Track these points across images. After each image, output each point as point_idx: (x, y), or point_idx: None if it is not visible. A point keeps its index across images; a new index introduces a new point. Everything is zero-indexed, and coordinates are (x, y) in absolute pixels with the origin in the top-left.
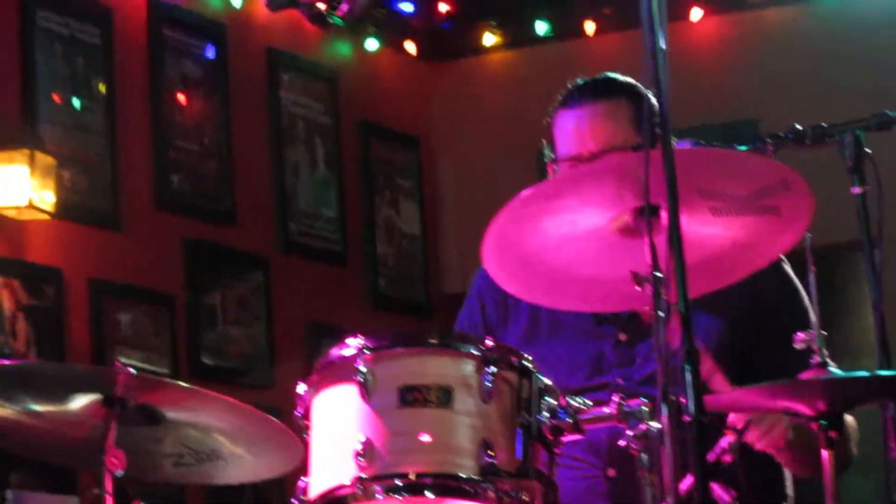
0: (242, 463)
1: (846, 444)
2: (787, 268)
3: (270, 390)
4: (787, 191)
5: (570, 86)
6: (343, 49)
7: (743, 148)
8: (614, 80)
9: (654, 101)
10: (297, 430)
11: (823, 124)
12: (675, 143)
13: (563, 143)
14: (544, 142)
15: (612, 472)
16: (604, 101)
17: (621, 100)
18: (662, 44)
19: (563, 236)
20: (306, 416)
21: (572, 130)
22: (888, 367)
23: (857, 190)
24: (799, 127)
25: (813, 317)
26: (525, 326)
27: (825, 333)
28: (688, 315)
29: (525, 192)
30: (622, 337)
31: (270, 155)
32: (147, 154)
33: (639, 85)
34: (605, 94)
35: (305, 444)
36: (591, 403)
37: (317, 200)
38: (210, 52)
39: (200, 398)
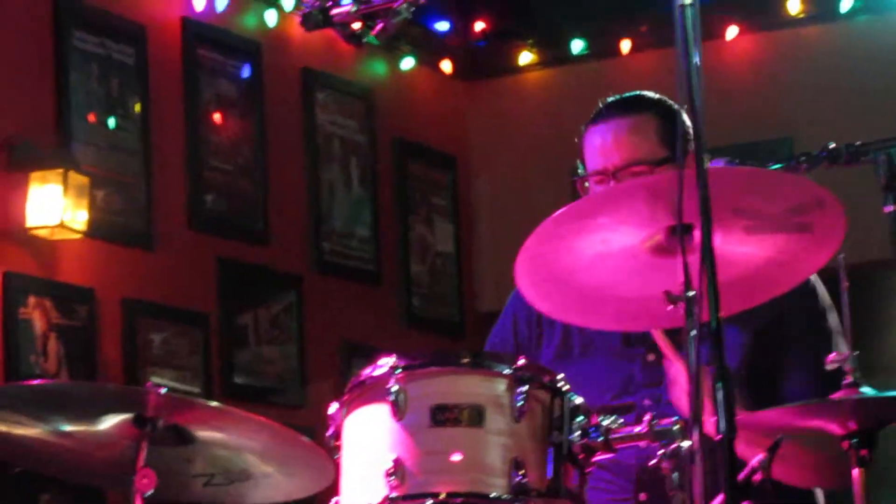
0: (273, 483)
1: None
2: (817, 285)
3: (303, 410)
4: (820, 210)
5: (600, 104)
6: (378, 68)
7: (777, 166)
8: (642, 97)
9: (684, 116)
10: (329, 449)
11: (857, 143)
12: (710, 162)
13: (590, 158)
14: (578, 161)
15: (643, 497)
16: (629, 116)
17: (648, 115)
18: (697, 61)
19: (596, 255)
20: (337, 435)
21: (598, 146)
22: None
23: (889, 208)
24: (833, 145)
25: (841, 336)
26: (557, 346)
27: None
28: (719, 334)
29: (558, 212)
30: (650, 357)
31: (305, 174)
32: (181, 174)
33: (669, 101)
34: (631, 109)
35: (336, 464)
36: (622, 422)
37: (351, 219)
38: (245, 72)
39: (231, 418)
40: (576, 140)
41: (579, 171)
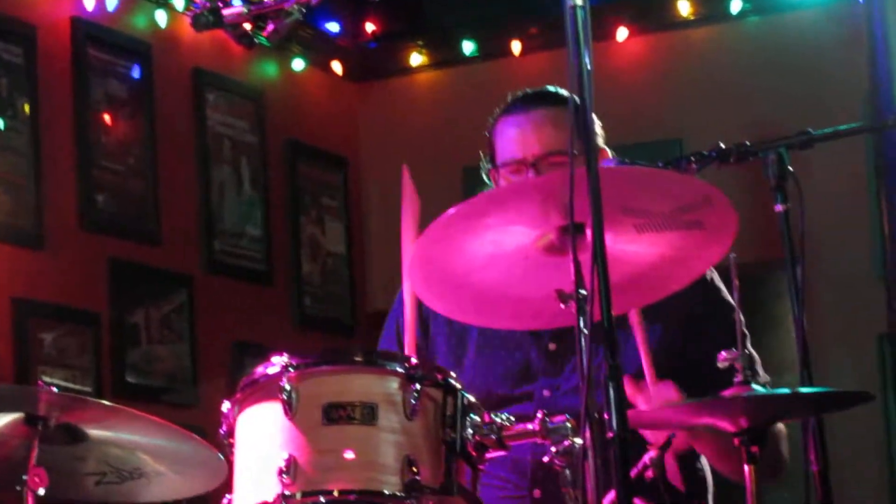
0: (165, 481)
1: (775, 452)
2: (718, 282)
3: (195, 409)
4: (710, 207)
5: (511, 97)
6: (269, 69)
7: (667, 166)
8: (557, 91)
9: (593, 115)
10: (221, 448)
11: (747, 143)
12: (600, 162)
13: (505, 148)
14: (482, 154)
15: (537, 493)
16: (549, 108)
17: (565, 108)
18: (588, 62)
19: (490, 256)
20: (230, 434)
21: (516, 135)
22: (810, 383)
23: (779, 208)
24: (723, 145)
25: (740, 332)
26: (454, 336)
27: (747, 351)
28: (611, 332)
29: (446, 214)
30: (551, 346)
31: (196, 174)
32: (72, 174)
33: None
34: (551, 101)
35: (230, 463)
36: (514, 420)
37: (242, 220)
38: (135, 72)
39: (123, 416)
40: (485, 133)
41: (487, 164)
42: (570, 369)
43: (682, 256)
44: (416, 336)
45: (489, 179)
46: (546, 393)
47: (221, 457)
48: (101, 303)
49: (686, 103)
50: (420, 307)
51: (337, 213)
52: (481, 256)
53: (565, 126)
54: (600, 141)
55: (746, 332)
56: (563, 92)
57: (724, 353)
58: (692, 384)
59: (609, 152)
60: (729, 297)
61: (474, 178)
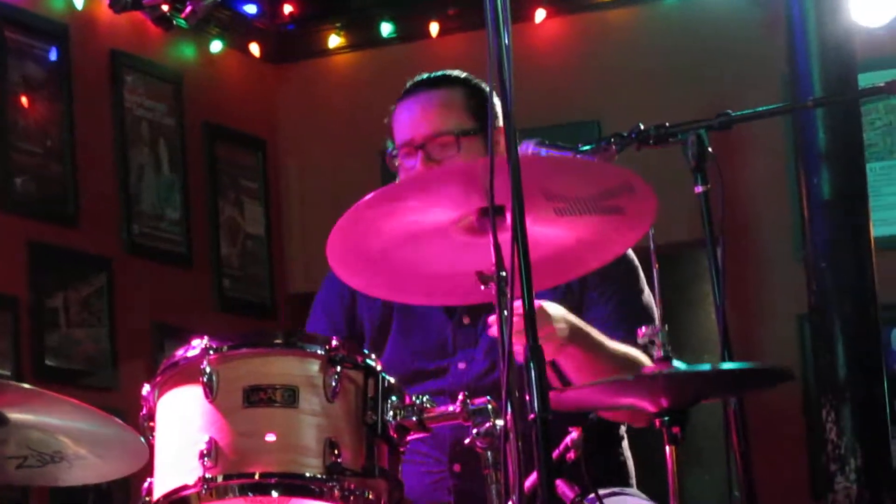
0: (86, 464)
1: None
2: (638, 268)
3: (115, 392)
4: (630, 192)
5: (408, 82)
6: (187, 51)
7: (587, 147)
8: (448, 74)
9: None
10: (142, 431)
11: (667, 124)
12: (521, 145)
13: (398, 132)
14: (388, 140)
15: (457, 468)
16: (436, 90)
17: (454, 89)
18: (507, 43)
19: (407, 235)
20: (151, 417)
21: (406, 119)
22: (731, 361)
23: (699, 189)
24: (642, 126)
25: (655, 308)
26: (377, 317)
27: (667, 327)
28: (532, 313)
29: (367, 198)
30: (465, 320)
31: (114, 157)
32: None
33: (476, 79)
34: (438, 84)
35: (150, 446)
36: (435, 402)
37: (161, 202)
38: (52, 54)
39: (43, 399)
40: (385, 121)
41: (388, 147)
42: (485, 340)
43: (599, 240)
44: (343, 322)
45: (389, 166)
46: (462, 365)
47: (143, 440)
48: (19, 286)
49: (604, 85)
50: (347, 295)
51: (256, 195)
52: (399, 235)
53: (453, 106)
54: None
55: (655, 307)
56: (458, 73)
57: (643, 329)
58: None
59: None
60: (636, 264)
61: None
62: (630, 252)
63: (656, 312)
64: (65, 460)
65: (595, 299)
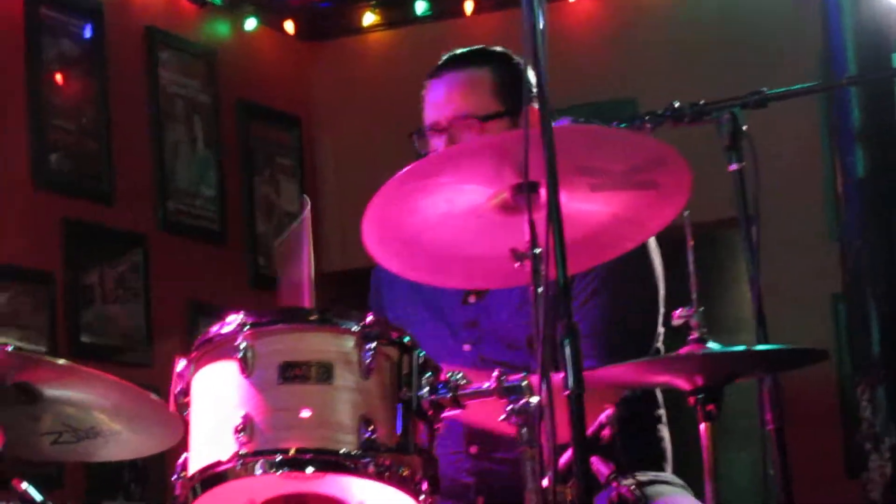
0: (122, 440)
1: None
2: (653, 253)
3: (150, 369)
4: (664, 166)
5: (443, 58)
6: (222, 28)
7: (621, 126)
8: (481, 50)
9: (529, 71)
10: (177, 407)
11: (701, 102)
12: (554, 122)
13: (426, 113)
14: (414, 137)
15: (473, 450)
16: (463, 70)
17: (483, 69)
18: (542, 23)
19: (442, 215)
20: (186, 392)
21: (432, 100)
22: (765, 341)
23: (734, 167)
24: (677, 105)
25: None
26: (402, 301)
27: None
28: (567, 291)
29: (400, 172)
30: (471, 299)
31: (149, 134)
32: (25, 134)
33: (512, 55)
34: (467, 64)
35: (185, 422)
36: (469, 379)
37: (196, 179)
38: (87, 31)
39: (78, 375)
40: (421, 97)
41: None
42: (486, 320)
43: (636, 216)
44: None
45: (419, 147)
46: (466, 347)
47: (177, 416)
48: (55, 262)
49: (640, 63)
50: (376, 277)
51: (291, 172)
52: (435, 215)
53: (479, 88)
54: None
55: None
56: (495, 49)
57: (679, 310)
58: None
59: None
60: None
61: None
62: (651, 245)
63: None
64: (100, 436)
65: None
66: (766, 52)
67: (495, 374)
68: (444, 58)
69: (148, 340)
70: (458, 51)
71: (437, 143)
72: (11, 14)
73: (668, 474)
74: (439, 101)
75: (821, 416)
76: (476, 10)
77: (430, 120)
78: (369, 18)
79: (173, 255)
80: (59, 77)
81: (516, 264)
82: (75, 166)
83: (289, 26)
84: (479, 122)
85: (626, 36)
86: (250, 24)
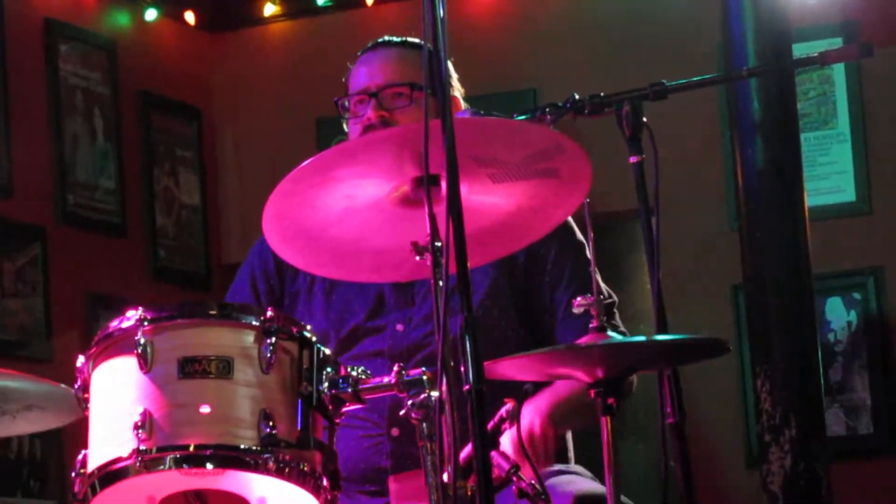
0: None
1: None
2: (570, 222)
3: (50, 364)
4: (562, 155)
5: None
6: (122, 19)
7: (521, 117)
8: (409, 39)
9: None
10: (76, 402)
11: (601, 94)
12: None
13: (354, 81)
14: (337, 102)
15: (395, 432)
16: (396, 48)
17: (413, 51)
18: (443, 13)
19: (345, 209)
20: (85, 388)
21: (364, 70)
22: (665, 332)
23: (634, 159)
24: (577, 96)
25: (596, 276)
26: (305, 275)
27: (609, 293)
28: (466, 283)
29: (295, 170)
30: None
31: (48, 126)
32: None
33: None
34: (398, 44)
35: (85, 418)
36: (370, 374)
37: (96, 172)
38: None
39: None
40: (343, 80)
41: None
42: (421, 299)
43: (540, 205)
44: (274, 283)
45: (345, 125)
46: (399, 327)
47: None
48: None
49: (541, 53)
50: (273, 258)
51: (191, 164)
52: (336, 210)
53: (411, 63)
54: (456, 92)
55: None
56: (419, 41)
57: (579, 299)
58: (541, 325)
59: (462, 103)
60: (581, 238)
61: (328, 128)
62: (571, 221)
63: (597, 279)
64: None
65: (546, 271)
66: (667, 44)
67: (395, 368)
68: (377, 40)
69: (47, 335)
70: (388, 37)
71: (363, 109)
72: None
73: (575, 465)
74: (371, 69)
75: (721, 407)
76: (377, 1)
77: (359, 86)
78: (270, 9)
79: (73, 248)
80: None
81: (417, 258)
82: None
83: (189, 17)
84: (409, 89)
85: (528, 26)
86: (151, 14)
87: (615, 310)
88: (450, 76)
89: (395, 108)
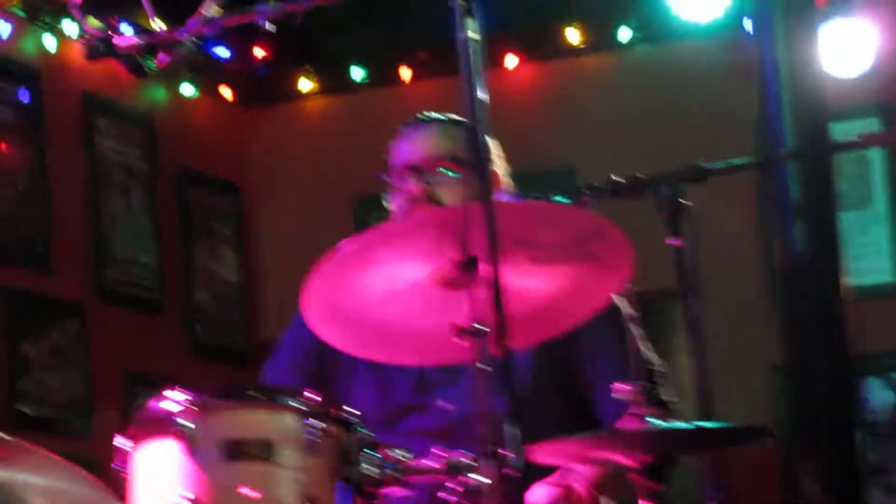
0: None
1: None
2: (618, 301)
3: (88, 439)
4: (602, 238)
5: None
6: (159, 94)
7: (561, 199)
8: (453, 116)
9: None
10: (115, 483)
11: (640, 175)
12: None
13: (397, 155)
14: (379, 175)
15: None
16: (440, 124)
17: (456, 126)
18: (483, 95)
19: (385, 291)
20: (125, 469)
21: (408, 144)
22: (708, 417)
23: (673, 241)
24: (615, 179)
25: (644, 348)
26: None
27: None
28: (508, 368)
29: (337, 249)
30: None
31: (87, 201)
32: None
33: None
34: (444, 120)
35: (123, 500)
36: (411, 455)
37: (134, 247)
38: (24, 97)
39: (12, 449)
40: (383, 156)
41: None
42: (465, 376)
43: (581, 289)
44: (313, 359)
45: (384, 201)
46: (444, 405)
47: (114, 502)
48: None
49: (578, 132)
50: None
51: (230, 240)
52: (376, 292)
53: (455, 139)
54: (499, 170)
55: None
56: (462, 118)
57: (620, 385)
58: (582, 401)
59: (505, 181)
60: (624, 316)
61: (365, 205)
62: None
63: (649, 346)
64: None
65: (588, 349)
66: (703, 122)
67: (437, 451)
68: (422, 116)
69: (86, 410)
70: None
71: (407, 182)
72: None
73: None
74: (417, 143)
75: (762, 489)
76: (414, 78)
77: (402, 160)
78: (306, 85)
79: (111, 323)
80: None
81: (460, 340)
82: (12, 234)
83: (226, 92)
84: (453, 163)
85: (565, 104)
86: (187, 89)
87: (664, 379)
88: (492, 154)
89: (438, 183)
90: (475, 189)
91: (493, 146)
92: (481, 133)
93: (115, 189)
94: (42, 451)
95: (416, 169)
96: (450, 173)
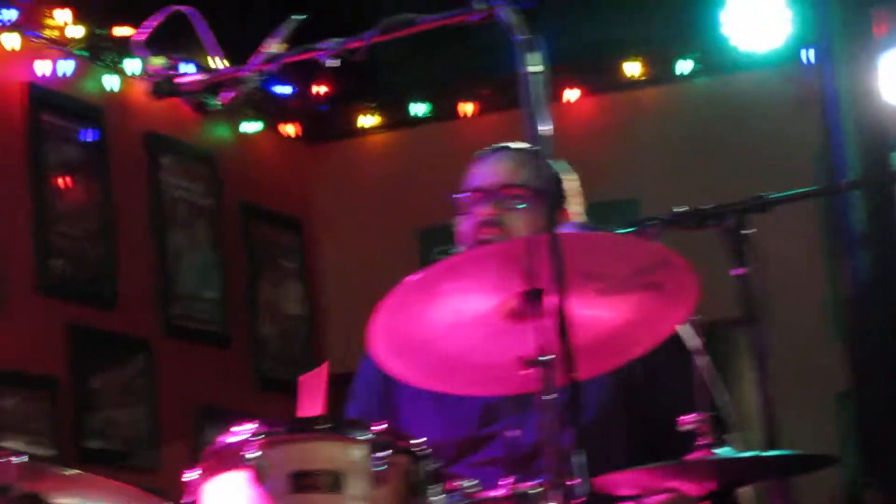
0: None
1: None
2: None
3: (156, 473)
4: (668, 269)
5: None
6: (222, 131)
7: (625, 230)
8: (527, 147)
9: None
10: None
11: (703, 206)
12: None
13: (472, 179)
14: (452, 198)
15: None
16: (513, 152)
17: (531, 157)
18: (546, 127)
19: (452, 323)
20: (195, 502)
21: (478, 169)
22: (774, 445)
23: (737, 271)
24: (679, 210)
25: (713, 385)
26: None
27: (713, 413)
28: (576, 397)
29: (405, 282)
30: None
31: (152, 238)
32: (28, 239)
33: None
34: (518, 150)
35: None
36: (478, 486)
37: (199, 282)
38: (88, 136)
39: (86, 483)
40: (445, 189)
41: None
42: (532, 408)
43: (646, 319)
44: (383, 401)
45: (456, 209)
46: (514, 433)
47: None
48: (60, 368)
49: (640, 164)
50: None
51: (294, 274)
52: (443, 324)
53: (527, 168)
54: (574, 202)
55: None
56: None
57: (686, 417)
58: (650, 434)
59: (573, 212)
60: (691, 347)
61: (427, 238)
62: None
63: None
64: None
65: (659, 384)
66: (764, 153)
67: (508, 481)
68: (496, 145)
69: (154, 445)
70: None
71: (478, 206)
72: (13, 119)
73: None
74: (490, 169)
75: None
76: (476, 112)
77: (477, 184)
78: (368, 120)
79: (177, 359)
80: (61, 182)
81: (525, 372)
82: (79, 271)
83: (289, 129)
84: (526, 190)
85: (626, 136)
86: (250, 126)
87: (729, 408)
88: (565, 186)
89: (508, 209)
90: (542, 219)
91: (571, 180)
92: (548, 164)
93: (179, 225)
94: (111, 482)
95: (487, 193)
96: (518, 203)
